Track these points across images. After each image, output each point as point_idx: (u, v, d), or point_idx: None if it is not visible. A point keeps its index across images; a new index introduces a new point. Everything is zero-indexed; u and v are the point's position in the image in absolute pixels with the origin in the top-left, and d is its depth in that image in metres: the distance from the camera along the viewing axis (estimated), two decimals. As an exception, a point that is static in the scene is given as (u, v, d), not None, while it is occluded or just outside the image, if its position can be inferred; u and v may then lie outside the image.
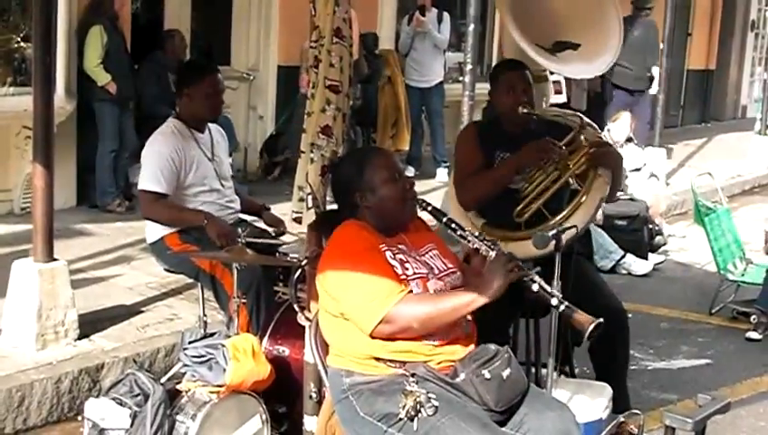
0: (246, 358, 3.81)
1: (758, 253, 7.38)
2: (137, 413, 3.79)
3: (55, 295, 4.72)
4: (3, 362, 4.53)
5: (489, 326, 3.27)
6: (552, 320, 3.59)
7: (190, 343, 4.00)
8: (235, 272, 4.11)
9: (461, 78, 8.17)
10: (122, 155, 7.90)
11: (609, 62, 4.63)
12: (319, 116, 3.57)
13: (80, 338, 4.83)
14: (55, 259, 4.79)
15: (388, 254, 3.11)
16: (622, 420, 3.58)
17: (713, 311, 6.61)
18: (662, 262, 7.89)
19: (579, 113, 4.54)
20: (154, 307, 5.49)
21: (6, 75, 7.39)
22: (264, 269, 4.37)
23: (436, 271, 3.19)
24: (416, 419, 2.89)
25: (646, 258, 7.70)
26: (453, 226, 3.29)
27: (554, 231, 3.62)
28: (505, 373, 3.01)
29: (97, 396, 4.15)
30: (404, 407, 2.90)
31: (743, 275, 6.68)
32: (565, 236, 3.61)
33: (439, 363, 3.05)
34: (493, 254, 3.13)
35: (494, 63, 10.88)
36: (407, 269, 3.09)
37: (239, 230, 4.21)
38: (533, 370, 4.12)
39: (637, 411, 3.53)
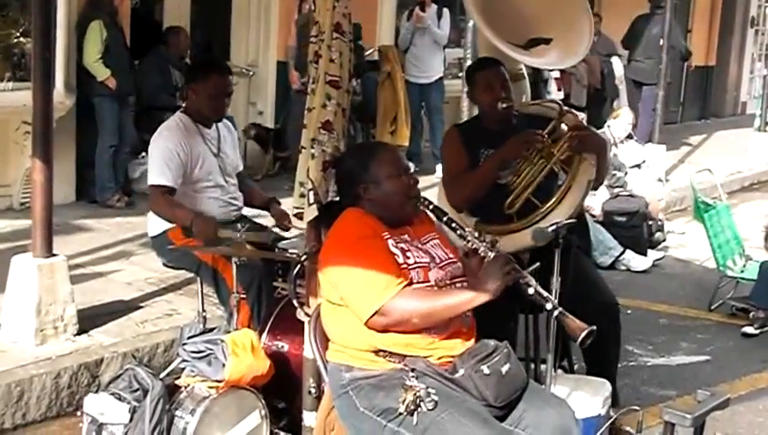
0: (245, 353, 3.82)
1: (758, 250, 7.37)
2: (136, 408, 3.79)
3: (54, 291, 4.72)
4: (2, 358, 4.53)
5: (489, 322, 3.27)
6: (551, 317, 3.60)
7: (189, 338, 4.00)
8: (234, 267, 4.11)
9: (460, 74, 8.19)
10: (122, 150, 7.89)
11: (583, 51, 4.65)
12: (320, 111, 3.56)
13: (79, 333, 4.84)
14: (54, 254, 4.79)
15: (391, 242, 3.13)
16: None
17: (712, 307, 6.61)
18: (661, 258, 7.89)
19: (558, 102, 4.57)
20: (153, 302, 5.49)
21: (6, 70, 7.38)
22: (264, 264, 4.38)
23: (438, 260, 3.20)
24: (415, 413, 2.90)
25: (645, 254, 7.70)
26: (453, 225, 3.30)
27: (554, 226, 3.63)
28: (504, 369, 3.02)
29: (96, 391, 4.17)
30: (404, 402, 2.90)
31: (742, 271, 6.68)
32: (562, 228, 3.62)
33: (439, 359, 3.05)
34: (491, 255, 3.13)
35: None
36: (408, 258, 3.11)
37: (231, 231, 4.20)
38: (533, 366, 4.13)
39: (636, 408, 3.53)
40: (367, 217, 3.18)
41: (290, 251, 4.19)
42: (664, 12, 10.87)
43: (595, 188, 4.37)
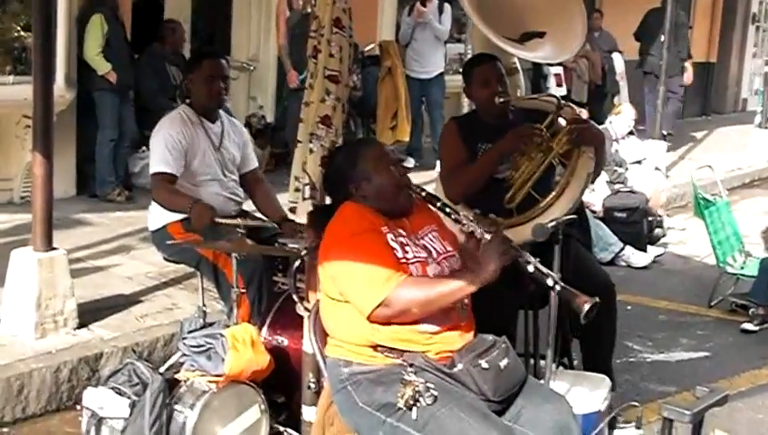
0: (245, 348, 3.82)
1: (758, 246, 7.38)
2: (135, 402, 3.80)
3: (54, 285, 4.72)
4: (2, 351, 4.53)
5: (488, 318, 3.27)
6: (551, 312, 3.60)
7: (189, 332, 4.01)
8: (235, 262, 4.11)
9: (461, 69, 8.15)
10: (122, 144, 7.88)
11: (577, 46, 4.65)
12: (318, 106, 3.57)
13: (79, 327, 4.83)
14: (55, 248, 4.79)
15: (390, 236, 3.12)
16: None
17: (712, 304, 6.61)
18: (661, 254, 7.89)
19: (555, 96, 4.57)
20: (153, 297, 5.49)
21: (6, 64, 7.37)
22: (264, 259, 4.38)
23: (435, 254, 3.19)
24: (414, 408, 2.90)
25: (645, 251, 7.70)
26: (447, 209, 3.29)
27: (553, 223, 3.63)
28: (503, 363, 3.02)
29: (96, 385, 4.16)
30: (403, 396, 2.90)
31: (742, 267, 6.68)
32: (562, 224, 3.62)
33: (437, 354, 3.05)
34: (488, 237, 3.13)
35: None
36: (407, 253, 3.10)
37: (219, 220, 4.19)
38: (532, 361, 4.13)
39: (635, 403, 3.54)
40: (365, 211, 3.18)
41: (290, 246, 4.18)
42: (675, 6, 10.89)
43: (592, 182, 4.38)
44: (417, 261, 3.11)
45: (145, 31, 8.55)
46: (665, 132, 11.31)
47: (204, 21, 9.72)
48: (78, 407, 4.32)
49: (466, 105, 7.62)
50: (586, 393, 3.74)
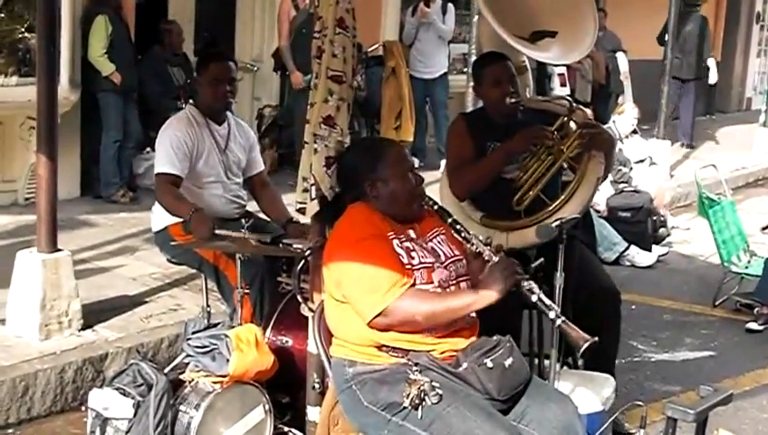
0: (249, 348, 3.82)
1: (762, 245, 7.37)
2: (140, 403, 3.79)
3: (59, 286, 4.73)
4: (7, 352, 4.54)
5: (492, 318, 3.26)
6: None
7: (193, 333, 4.01)
8: (239, 263, 4.11)
9: (465, 69, 8.17)
10: (126, 146, 7.89)
11: (588, 46, 4.64)
12: (321, 106, 3.56)
13: (83, 328, 4.84)
14: (59, 250, 4.79)
15: (395, 242, 3.11)
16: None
17: (716, 303, 6.61)
18: (666, 254, 7.88)
19: (568, 98, 4.56)
20: (157, 298, 5.49)
21: (10, 65, 7.37)
22: (267, 260, 4.37)
23: (443, 258, 3.18)
24: (420, 407, 2.90)
25: (649, 250, 7.69)
26: (458, 227, 3.28)
27: (557, 223, 3.62)
28: (507, 362, 3.02)
29: (100, 386, 4.17)
30: (408, 396, 2.91)
31: (746, 267, 6.68)
32: (566, 224, 3.62)
33: (442, 353, 3.05)
34: (495, 259, 3.13)
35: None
36: (412, 259, 3.09)
37: (233, 229, 4.18)
38: (537, 361, 4.13)
39: (639, 403, 3.53)
40: (372, 215, 3.17)
41: (294, 246, 4.18)
42: (698, 9, 11.02)
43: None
44: (423, 267, 3.10)
45: (149, 32, 8.55)
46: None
47: (207, 21, 9.72)
48: (83, 408, 4.33)
49: (470, 105, 7.61)
50: (590, 393, 3.74)
